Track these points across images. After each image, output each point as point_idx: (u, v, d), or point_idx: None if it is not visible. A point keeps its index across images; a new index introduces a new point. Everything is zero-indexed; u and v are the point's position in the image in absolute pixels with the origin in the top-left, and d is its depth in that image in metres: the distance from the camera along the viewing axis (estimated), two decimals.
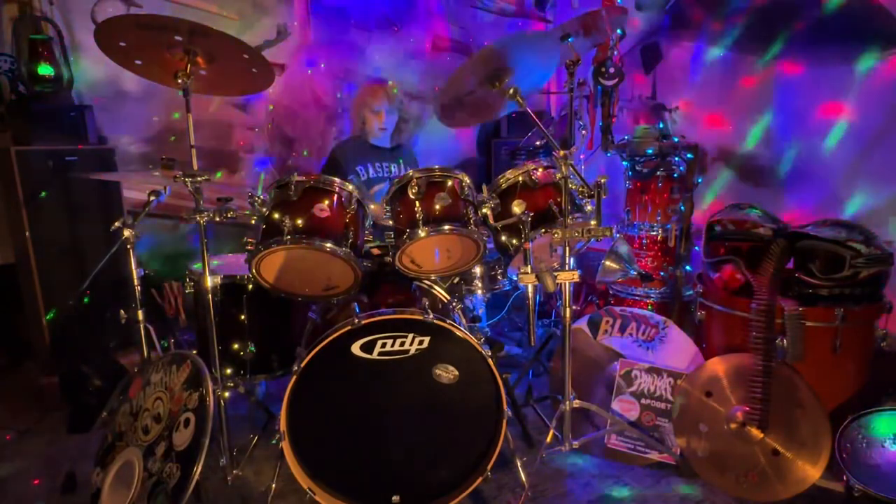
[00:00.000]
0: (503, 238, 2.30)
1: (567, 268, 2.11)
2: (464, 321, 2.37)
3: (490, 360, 2.10)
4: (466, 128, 4.73)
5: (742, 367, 2.31)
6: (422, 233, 2.07)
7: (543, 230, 2.17)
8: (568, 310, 2.17)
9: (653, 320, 2.73)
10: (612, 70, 3.63)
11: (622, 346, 2.71)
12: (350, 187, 2.20)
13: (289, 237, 2.03)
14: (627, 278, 2.99)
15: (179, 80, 1.99)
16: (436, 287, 2.48)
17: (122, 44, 1.96)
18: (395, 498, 2.13)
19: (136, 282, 2.27)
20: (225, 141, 4.18)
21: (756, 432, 2.24)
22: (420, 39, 4.77)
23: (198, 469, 1.81)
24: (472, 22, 4.93)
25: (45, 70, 3.31)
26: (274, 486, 2.23)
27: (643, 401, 2.53)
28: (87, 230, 3.31)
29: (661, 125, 3.45)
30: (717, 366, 2.40)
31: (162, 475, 1.86)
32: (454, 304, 2.42)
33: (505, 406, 2.13)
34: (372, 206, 2.34)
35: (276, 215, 2.09)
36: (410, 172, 2.18)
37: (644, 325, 2.73)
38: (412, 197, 2.13)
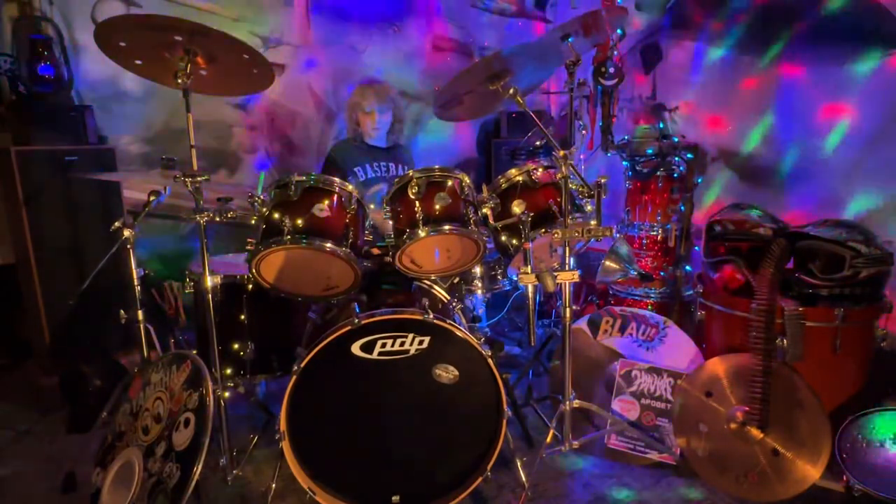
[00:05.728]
0: (503, 238, 2.30)
1: (567, 268, 2.11)
2: (464, 321, 2.37)
3: (490, 361, 2.10)
4: (463, 121, 4.73)
5: (742, 367, 2.31)
6: (422, 233, 2.07)
7: (543, 230, 2.17)
8: (568, 310, 2.17)
9: (653, 320, 2.73)
10: (612, 70, 3.64)
11: (622, 346, 2.71)
12: (350, 187, 2.20)
13: (289, 237, 2.03)
14: (627, 278, 2.99)
15: (179, 80, 1.99)
16: (436, 287, 2.48)
17: (122, 44, 1.96)
18: (395, 498, 2.13)
19: (136, 282, 2.27)
20: (225, 141, 4.18)
21: (756, 432, 2.24)
22: (420, 39, 4.77)
23: (198, 469, 1.81)
24: (471, 22, 4.92)
25: (45, 70, 3.31)
26: (274, 486, 2.24)
27: (643, 401, 2.53)
28: (87, 230, 3.31)
29: (661, 125, 3.45)
30: (717, 366, 2.40)
31: (162, 475, 1.86)
32: (454, 304, 2.42)
33: (505, 406, 2.13)
34: (371, 206, 2.33)
35: (276, 215, 2.09)
36: (410, 172, 2.18)
37: (644, 325, 2.72)
38: (412, 197, 2.13)
